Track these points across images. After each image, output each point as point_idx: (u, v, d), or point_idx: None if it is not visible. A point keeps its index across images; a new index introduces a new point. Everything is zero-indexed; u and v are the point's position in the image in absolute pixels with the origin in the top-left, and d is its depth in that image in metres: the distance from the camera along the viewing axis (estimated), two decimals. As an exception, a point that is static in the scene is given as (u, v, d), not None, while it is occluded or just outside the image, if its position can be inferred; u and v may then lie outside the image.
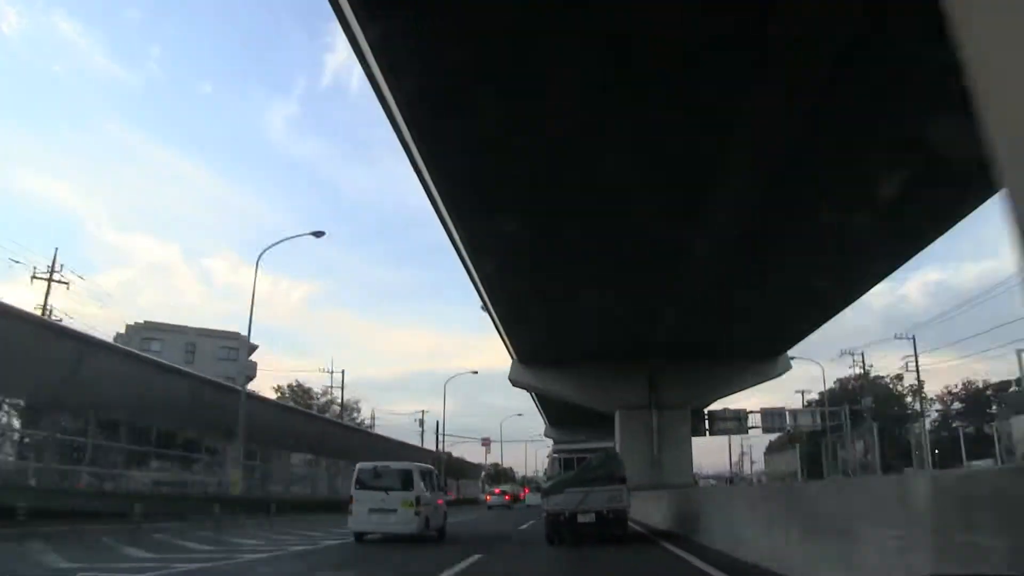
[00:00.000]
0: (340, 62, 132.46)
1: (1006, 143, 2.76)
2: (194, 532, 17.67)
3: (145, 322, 54.07)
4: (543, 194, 15.95)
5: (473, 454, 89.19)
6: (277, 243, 27.68)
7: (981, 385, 66.14)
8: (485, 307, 28.55)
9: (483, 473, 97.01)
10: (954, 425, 67.96)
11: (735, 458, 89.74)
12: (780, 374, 33.70)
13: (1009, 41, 2.71)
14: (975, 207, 16.56)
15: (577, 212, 16.95)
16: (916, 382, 71.02)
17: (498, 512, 41.89)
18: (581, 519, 13.52)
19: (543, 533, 14.39)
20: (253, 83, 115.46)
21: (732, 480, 73.80)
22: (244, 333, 31.47)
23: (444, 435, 56.79)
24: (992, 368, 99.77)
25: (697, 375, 32.18)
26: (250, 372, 55.20)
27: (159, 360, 28.44)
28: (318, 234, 26.70)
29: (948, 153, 11.27)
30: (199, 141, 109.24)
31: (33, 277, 33.80)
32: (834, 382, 67.29)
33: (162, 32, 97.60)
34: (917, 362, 46.64)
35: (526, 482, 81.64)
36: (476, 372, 53.81)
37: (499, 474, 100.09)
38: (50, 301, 33.43)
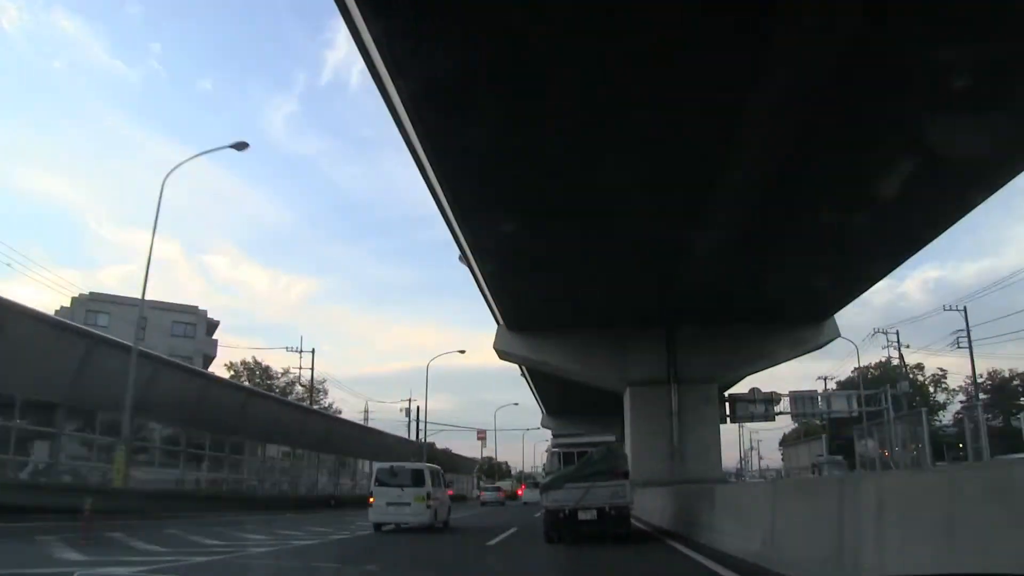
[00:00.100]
0: (340, 58, 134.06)
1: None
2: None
3: (91, 293, 47.90)
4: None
5: (469, 449, 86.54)
6: (188, 160, 22.11)
7: (1008, 375, 63.80)
8: (464, 257, 22.56)
9: (476, 468, 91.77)
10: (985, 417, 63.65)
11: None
12: (825, 343, 27.59)
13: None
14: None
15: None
16: (940, 370, 66.34)
17: (491, 509, 39.43)
18: (582, 516, 12.98)
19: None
20: (253, 80, 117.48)
21: (739, 476, 69.01)
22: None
23: (427, 422, 50.76)
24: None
25: (725, 342, 26.13)
26: (208, 350, 49.26)
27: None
28: (239, 146, 20.90)
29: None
30: (199, 136, 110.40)
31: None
32: (852, 370, 63.32)
33: (163, 28, 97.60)
34: (970, 338, 40.48)
35: (523, 478, 76.53)
36: (463, 351, 47.46)
37: (493, 469, 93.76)
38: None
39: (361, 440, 41.03)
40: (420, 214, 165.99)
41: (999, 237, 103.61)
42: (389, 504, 17.39)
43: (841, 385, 49.97)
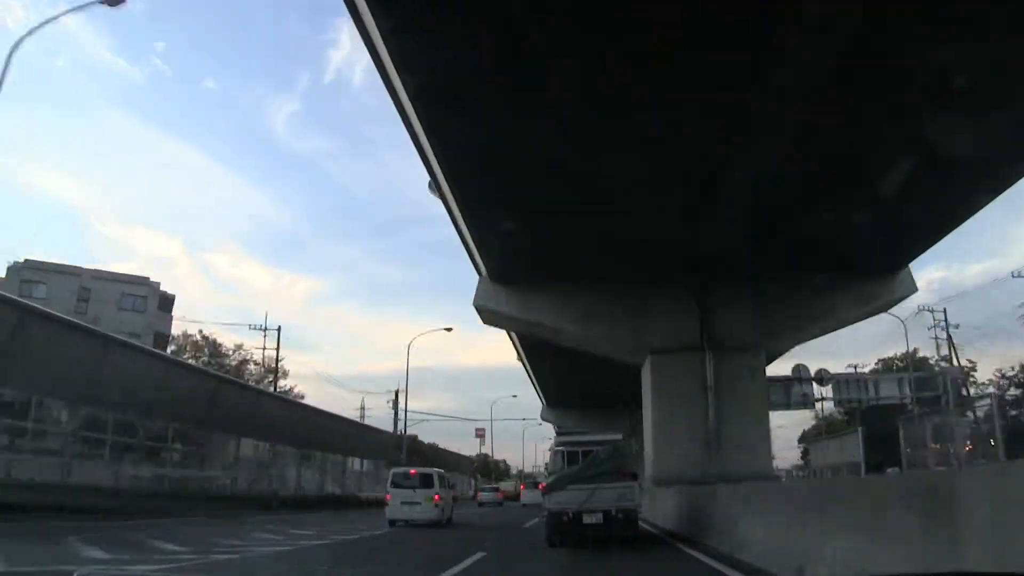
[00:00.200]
0: (343, 57, 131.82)
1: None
2: None
3: (26, 261, 41.98)
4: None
5: (469, 449, 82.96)
6: (41, 25, 16.03)
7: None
8: (434, 185, 16.98)
9: (471, 466, 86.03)
10: (1012, 414, 57.72)
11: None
12: (900, 299, 21.59)
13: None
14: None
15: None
16: (969, 362, 60.24)
17: (489, 509, 38.33)
18: (587, 519, 12.09)
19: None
20: (257, 78, 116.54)
21: None
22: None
23: (407, 411, 44.77)
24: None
25: (774, 300, 20.21)
26: (161, 327, 43.35)
27: None
28: (112, 1, 14.94)
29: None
30: (202, 135, 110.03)
31: None
32: (876, 361, 58.05)
33: (166, 26, 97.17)
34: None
35: (523, 477, 71.07)
36: (450, 329, 41.72)
37: (489, 467, 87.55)
38: None
39: (326, 429, 35.06)
40: (421, 215, 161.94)
41: (1004, 237, 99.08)
42: (403, 503, 19.93)
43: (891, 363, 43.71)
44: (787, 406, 33.12)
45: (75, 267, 43.04)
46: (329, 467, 38.09)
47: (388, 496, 20.43)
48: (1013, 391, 57.92)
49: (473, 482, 76.85)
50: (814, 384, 34.53)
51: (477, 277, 21.79)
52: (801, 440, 73.90)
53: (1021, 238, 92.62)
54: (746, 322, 20.23)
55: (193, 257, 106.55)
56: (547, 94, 11.86)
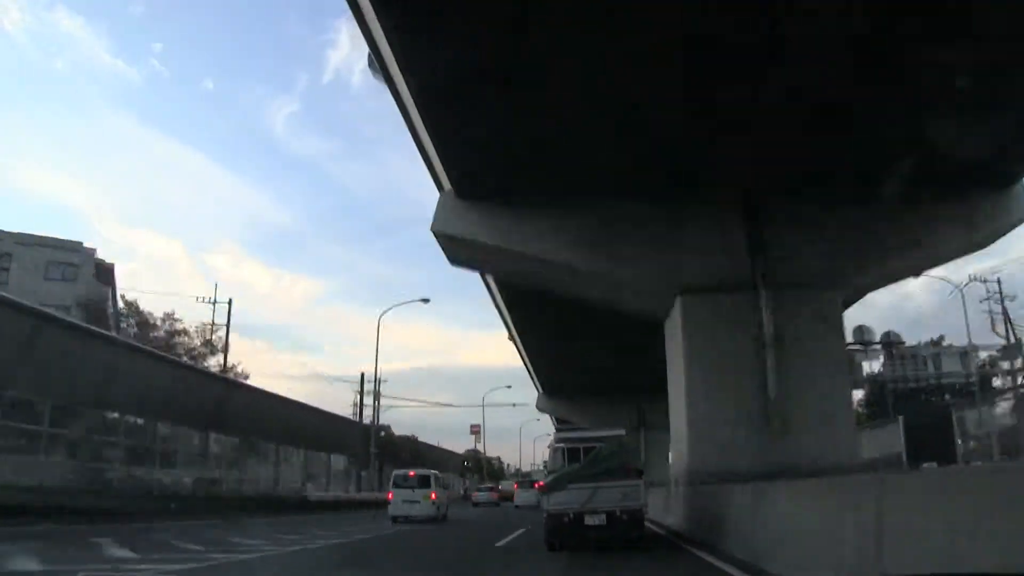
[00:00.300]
0: (343, 57, 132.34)
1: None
2: None
3: (-64, 222, 36.10)
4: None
5: (463, 447, 79.20)
6: None
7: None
8: (375, 67, 11.86)
9: (464, 463, 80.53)
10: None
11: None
12: (1018, 223, 15.78)
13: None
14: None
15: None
16: (997, 352, 54.54)
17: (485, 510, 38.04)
18: (588, 521, 11.43)
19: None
20: (256, 79, 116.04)
21: None
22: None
23: (377, 394, 38.91)
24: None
25: (846, 220, 14.39)
26: (96, 298, 37.54)
27: None
28: None
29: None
30: (201, 136, 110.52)
31: None
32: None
33: (164, 27, 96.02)
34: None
35: (519, 476, 66.82)
36: (427, 300, 36.51)
37: (481, 464, 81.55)
38: None
39: (270, 414, 29.19)
40: (421, 215, 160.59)
41: (1001, 240, 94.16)
42: (404, 501, 22.75)
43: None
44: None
45: (-5, 230, 37.17)
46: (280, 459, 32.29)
47: (390, 495, 23.16)
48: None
49: (465, 482, 72.19)
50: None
51: (443, 204, 15.87)
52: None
53: (1017, 236, 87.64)
54: (814, 253, 14.38)
55: (193, 257, 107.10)
56: (547, 94, 11.47)
